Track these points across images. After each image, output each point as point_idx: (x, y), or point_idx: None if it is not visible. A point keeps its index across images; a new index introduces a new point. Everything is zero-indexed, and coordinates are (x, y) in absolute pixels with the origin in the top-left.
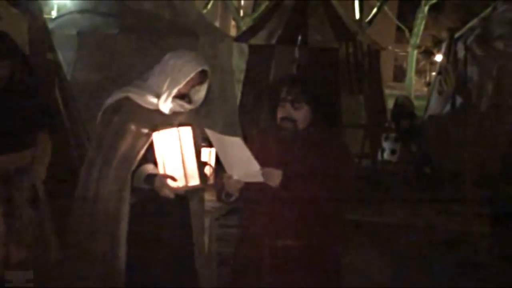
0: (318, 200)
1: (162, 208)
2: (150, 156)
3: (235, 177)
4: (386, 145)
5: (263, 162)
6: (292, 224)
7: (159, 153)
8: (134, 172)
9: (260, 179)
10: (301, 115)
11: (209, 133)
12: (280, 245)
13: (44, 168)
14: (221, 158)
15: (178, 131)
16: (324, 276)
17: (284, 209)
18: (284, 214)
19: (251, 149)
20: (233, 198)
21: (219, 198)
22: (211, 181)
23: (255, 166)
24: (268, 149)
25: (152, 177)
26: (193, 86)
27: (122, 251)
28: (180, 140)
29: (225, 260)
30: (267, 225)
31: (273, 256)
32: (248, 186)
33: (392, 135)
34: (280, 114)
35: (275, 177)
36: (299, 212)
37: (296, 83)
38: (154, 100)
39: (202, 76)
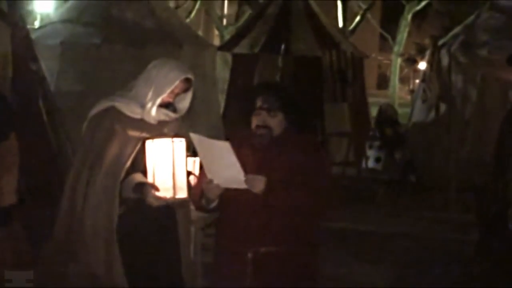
0: (294, 206)
1: (148, 217)
2: (137, 165)
3: (216, 182)
4: (371, 153)
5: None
6: (273, 230)
7: (150, 162)
8: (122, 182)
9: (241, 185)
10: (276, 122)
11: (194, 136)
12: (263, 252)
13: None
14: (203, 162)
15: (172, 142)
16: (302, 281)
17: (264, 215)
18: (265, 220)
19: None
20: (213, 205)
21: (197, 206)
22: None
23: (239, 172)
24: (243, 156)
25: (141, 186)
26: (177, 95)
27: (115, 264)
28: (173, 151)
29: (209, 270)
30: (249, 233)
31: (256, 263)
32: (226, 194)
33: (376, 143)
34: (255, 122)
35: (259, 183)
36: (279, 219)
37: (271, 91)
38: (139, 109)
39: (186, 84)
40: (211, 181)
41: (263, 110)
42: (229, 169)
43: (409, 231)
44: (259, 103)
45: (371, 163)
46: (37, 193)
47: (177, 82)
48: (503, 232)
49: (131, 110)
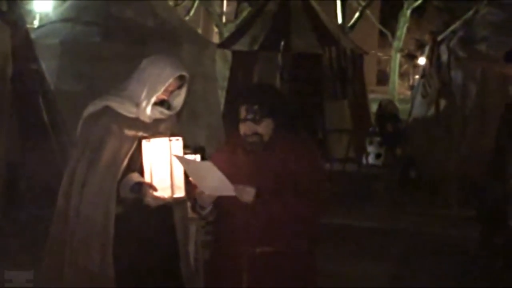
0: (291, 207)
1: (146, 216)
2: (134, 164)
3: (207, 193)
4: (371, 149)
5: (234, 175)
6: (269, 230)
7: (147, 162)
8: (119, 182)
9: (232, 193)
10: (263, 127)
11: (178, 158)
12: (259, 252)
13: None
14: (192, 178)
15: (170, 141)
16: (299, 281)
17: (260, 216)
18: (261, 221)
19: (222, 162)
20: (207, 211)
21: (193, 210)
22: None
23: (227, 186)
24: (238, 161)
25: (139, 186)
26: (171, 92)
27: (110, 263)
28: (170, 150)
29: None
30: (245, 233)
31: (252, 264)
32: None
33: (377, 139)
34: (243, 130)
35: (248, 195)
36: (275, 219)
37: (253, 99)
38: (134, 108)
39: (180, 81)
40: (202, 192)
41: (248, 121)
42: (217, 184)
43: (409, 227)
44: (243, 113)
45: (371, 159)
46: (37, 193)
47: (171, 80)
48: (504, 228)
49: (126, 110)
